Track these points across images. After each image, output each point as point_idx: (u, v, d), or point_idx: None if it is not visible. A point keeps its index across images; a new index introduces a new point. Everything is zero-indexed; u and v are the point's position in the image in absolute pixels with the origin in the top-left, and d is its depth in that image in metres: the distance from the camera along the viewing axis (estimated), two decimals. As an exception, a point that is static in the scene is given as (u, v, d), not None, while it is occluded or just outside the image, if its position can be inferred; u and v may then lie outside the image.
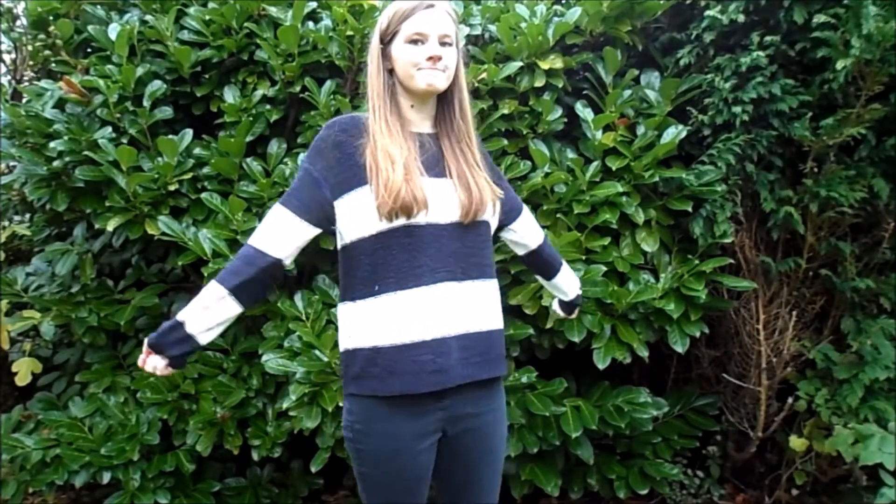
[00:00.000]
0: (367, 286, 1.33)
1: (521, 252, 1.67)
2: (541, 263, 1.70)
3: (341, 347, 1.40)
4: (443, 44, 1.34)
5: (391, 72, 1.37)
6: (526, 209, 1.64)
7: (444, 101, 1.41)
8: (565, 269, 1.74)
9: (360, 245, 1.34)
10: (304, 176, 1.37)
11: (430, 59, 1.31)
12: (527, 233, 1.63)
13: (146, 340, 1.32)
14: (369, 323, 1.33)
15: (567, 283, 1.75)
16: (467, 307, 1.37)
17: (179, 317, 1.33)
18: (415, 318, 1.31)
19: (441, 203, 1.34)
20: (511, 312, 2.23)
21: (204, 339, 1.34)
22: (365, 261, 1.33)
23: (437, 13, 1.34)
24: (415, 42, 1.33)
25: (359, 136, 1.35)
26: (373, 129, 1.35)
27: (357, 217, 1.33)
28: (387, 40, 1.36)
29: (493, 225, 1.47)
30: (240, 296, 1.33)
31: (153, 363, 1.33)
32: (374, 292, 1.32)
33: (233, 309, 1.34)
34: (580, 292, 1.81)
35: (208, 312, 1.33)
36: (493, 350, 1.42)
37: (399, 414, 1.33)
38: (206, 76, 2.44)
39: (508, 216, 1.57)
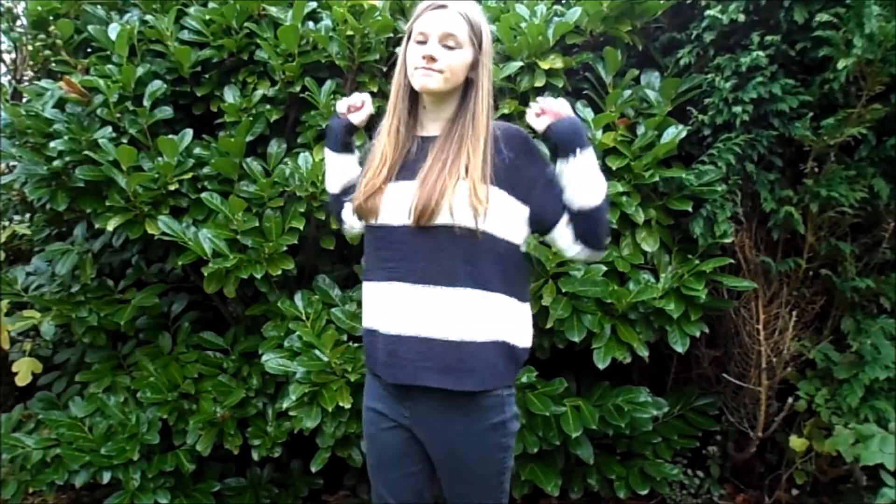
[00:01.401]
0: (363, 271, 1.50)
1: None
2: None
3: None
4: (447, 45, 1.32)
5: None
6: (556, 229, 1.41)
7: (461, 103, 1.37)
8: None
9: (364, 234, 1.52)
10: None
11: (423, 58, 1.31)
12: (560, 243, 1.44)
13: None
14: (363, 303, 1.50)
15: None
16: (421, 312, 1.33)
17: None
18: (372, 309, 1.43)
19: (395, 205, 1.36)
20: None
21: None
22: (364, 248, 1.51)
23: (445, 14, 1.33)
24: (420, 42, 1.33)
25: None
26: (381, 130, 1.42)
27: None
28: (405, 39, 1.38)
29: (478, 233, 1.31)
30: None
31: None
32: (362, 278, 1.49)
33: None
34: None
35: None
36: (453, 360, 1.33)
37: (377, 390, 1.47)
38: (206, 76, 2.44)
39: (540, 227, 1.42)
